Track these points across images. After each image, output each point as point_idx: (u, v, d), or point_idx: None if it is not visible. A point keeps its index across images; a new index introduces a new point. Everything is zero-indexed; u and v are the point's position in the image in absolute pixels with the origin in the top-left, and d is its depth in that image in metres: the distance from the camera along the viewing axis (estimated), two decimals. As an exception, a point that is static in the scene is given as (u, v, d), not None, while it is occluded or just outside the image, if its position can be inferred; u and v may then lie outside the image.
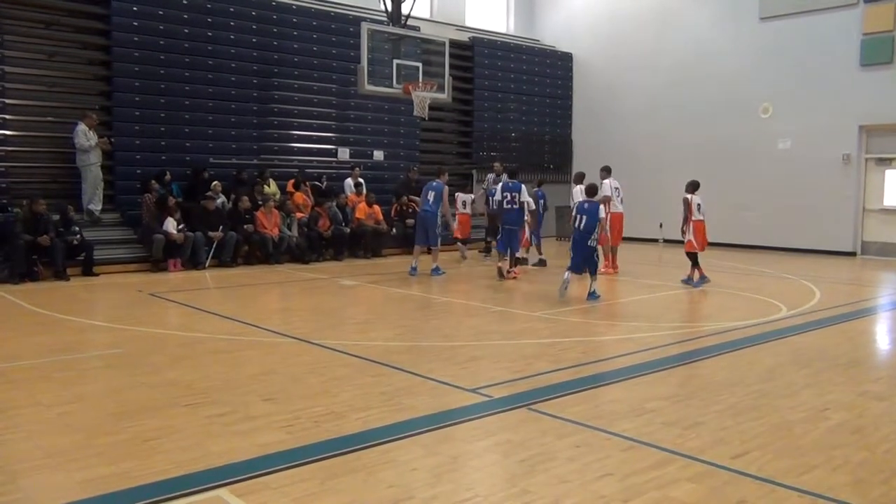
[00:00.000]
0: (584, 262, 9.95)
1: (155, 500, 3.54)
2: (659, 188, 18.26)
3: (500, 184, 12.18)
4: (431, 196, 12.39)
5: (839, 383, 5.86)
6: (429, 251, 12.80)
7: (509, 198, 11.73)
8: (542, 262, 13.72)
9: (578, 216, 10.00)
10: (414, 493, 3.64)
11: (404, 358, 6.54)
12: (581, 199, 10.54)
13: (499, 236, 12.02)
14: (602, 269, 12.50)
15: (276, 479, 3.79)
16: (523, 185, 11.99)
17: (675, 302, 10.29)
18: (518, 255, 12.77)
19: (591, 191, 10.44)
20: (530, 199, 12.25)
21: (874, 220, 16.54)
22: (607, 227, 11.94)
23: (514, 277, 11.91)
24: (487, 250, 15.46)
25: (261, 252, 13.75)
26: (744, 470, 3.99)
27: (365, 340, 7.29)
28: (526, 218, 12.20)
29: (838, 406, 5.24)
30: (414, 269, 12.34)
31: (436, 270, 12.28)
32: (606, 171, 12.96)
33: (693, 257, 11.40)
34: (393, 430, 4.57)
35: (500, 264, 11.99)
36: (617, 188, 12.86)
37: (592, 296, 9.87)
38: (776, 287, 11.51)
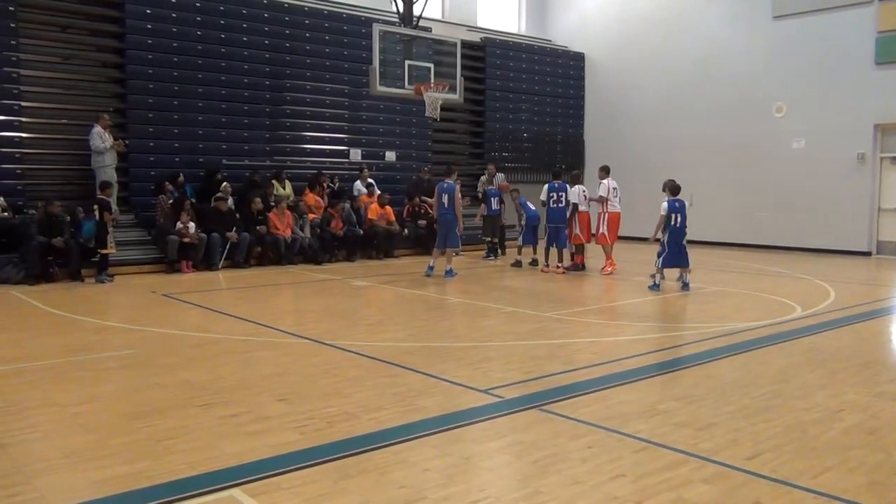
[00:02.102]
0: (683, 256, 10.74)
1: (168, 499, 3.56)
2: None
3: (546, 185, 12.96)
4: (446, 199, 12.34)
5: (854, 384, 5.82)
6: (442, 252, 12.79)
7: (556, 197, 12.66)
8: (518, 264, 13.70)
9: (675, 215, 10.67)
10: (426, 494, 3.64)
11: (417, 359, 6.55)
12: (671, 199, 10.84)
13: (546, 234, 12.80)
14: (609, 270, 12.61)
15: (289, 480, 3.81)
16: (568, 185, 12.87)
17: (688, 302, 10.24)
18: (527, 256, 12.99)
19: (676, 189, 10.95)
20: (576, 198, 12.88)
21: (889, 219, 16.38)
22: (604, 227, 12.76)
23: (563, 272, 12.70)
24: (493, 251, 15.41)
25: (273, 253, 13.79)
26: (758, 471, 3.97)
27: (377, 341, 7.31)
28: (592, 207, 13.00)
29: (853, 407, 5.19)
30: (431, 268, 12.33)
31: (449, 272, 12.27)
32: (605, 171, 12.94)
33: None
34: (405, 431, 4.58)
35: (542, 266, 12.76)
36: (615, 188, 12.84)
37: (686, 287, 10.77)
38: (790, 287, 11.44)
